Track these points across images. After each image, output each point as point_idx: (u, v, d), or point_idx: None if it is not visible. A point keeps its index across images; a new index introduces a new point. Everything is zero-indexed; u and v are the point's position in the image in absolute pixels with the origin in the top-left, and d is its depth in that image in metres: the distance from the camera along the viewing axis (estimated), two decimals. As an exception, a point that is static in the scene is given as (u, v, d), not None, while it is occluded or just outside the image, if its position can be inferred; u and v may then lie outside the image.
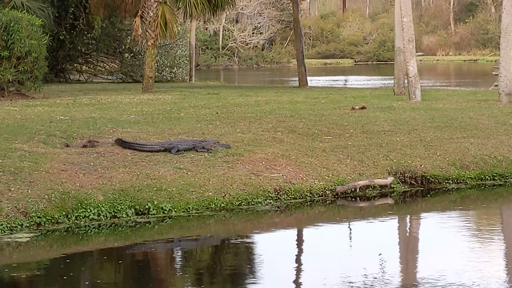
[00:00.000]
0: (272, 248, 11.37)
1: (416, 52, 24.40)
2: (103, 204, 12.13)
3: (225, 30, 78.27)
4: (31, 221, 11.47)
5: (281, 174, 13.94)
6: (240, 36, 78.21)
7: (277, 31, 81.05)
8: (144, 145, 14.44)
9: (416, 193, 14.68)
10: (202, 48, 75.16)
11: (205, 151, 14.40)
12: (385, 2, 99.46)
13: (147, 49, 27.74)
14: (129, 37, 35.56)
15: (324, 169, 14.42)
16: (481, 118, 18.96)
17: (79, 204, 11.98)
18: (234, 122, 17.41)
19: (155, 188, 12.76)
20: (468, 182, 15.18)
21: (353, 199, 13.98)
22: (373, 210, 13.80)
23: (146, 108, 20.60)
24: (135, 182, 12.79)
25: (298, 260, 10.69)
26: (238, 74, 66.93)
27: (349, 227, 12.71)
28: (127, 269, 10.31)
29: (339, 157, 14.98)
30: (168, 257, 11.01)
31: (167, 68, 39.76)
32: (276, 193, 13.49)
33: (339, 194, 13.98)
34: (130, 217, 12.20)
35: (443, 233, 12.15)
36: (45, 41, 24.25)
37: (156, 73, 31.93)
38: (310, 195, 13.73)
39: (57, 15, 32.98)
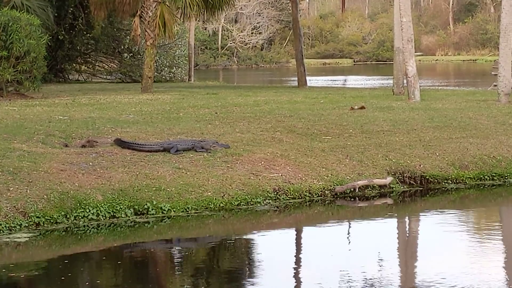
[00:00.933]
0: (271, 248, 11.36)
1: (415, 52, 24.40)
2: (102, 204, 12.12)
3: (224, 30, 78.29)
4: (30, 221, 11.46)
5: (280, 174, 13.94)
6: (239, 36, 78.22)
7: (276, 31, 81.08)
8: (143, 145, 14.43)
9: (415, 193, 14.67)
10: (201, 48, 75.20)
11: (204, 151, 14.40)
12: (384, 2, 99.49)
13: (146, 49, 27.73)
14: (128, 37, 35.56)
15: (323, 169, 14.41)
16: (480, 118, 18.96)
17: (78, 204, 11.97)
18: (233, 122, 17.40)
19: (154, 188, 12.75)
20: (467, 182, 15.17)
21: (352, 199, 13.98)
22: (372, 210, 13.80)
23: (145, 108, 20.59)
24: (134, 182, 12.78)
25: (297, 260, 10.69)
26: (237, 74, 66.95)
27: (348, 227, 12.70)
28: (126, 269, 10.30)
29: (338, 157, 14.98)
30: (167, 257, 11.00)
31: (166, 68, 39.76)
32: (275, 193, 13.48)
33: (338, 194, 13.97)
34: (129, 217, 12.19)
35: (442, 233, 12.15)
36: (44, 41, 24.24)
37: (155, 73, 31.94)
38: (309, 195, 13.73)
39: (56, 15, 32.95)
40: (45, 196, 11.87)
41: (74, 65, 39.97)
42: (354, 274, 9.55)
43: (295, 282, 9.62)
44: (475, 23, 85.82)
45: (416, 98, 23.23)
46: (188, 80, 40.84)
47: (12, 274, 9.72)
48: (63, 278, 9.59)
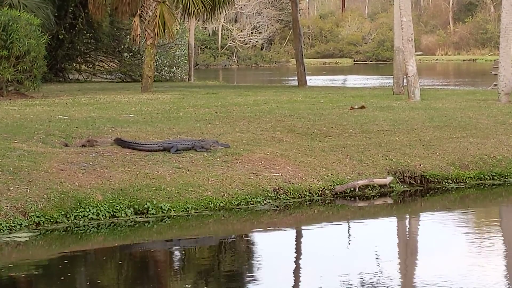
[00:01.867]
0: (271, 248, 11.36)
1: (415, 52, 24.39)
2: (102, 204, 12.12)
3: (224, 30, 78.29)
4: (30, 221, 11.46)
5: (280, 174, 13.93)
6: (239, 35, 78.22)
7: (276, 31, 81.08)
8: (143, 144, 14.42)
9: (415, 192, 14.67)
10: (201, 48, 75.21)
11: (204, 150, 14.39)
12: (384, 1, 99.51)
13: (146, 48, 27.74)
14: (128, 36, 35.55)
15: (323, 169, 14.41)
16: (480, 118, 18.95)
17: (78, 204, 11.96)
18: (233, 122, 17.40)
19: (154, 188, 12.75)
20: (467, 181, 15.17)
21: (352, 199, 13.97)
22: (372, 210, 13.79)
23: (145, 108, 20.59)
24: (134, 182, 12.78)
25: (297, 260, 10.68)
26: (237, 73, 66.94)
27: (348, 226, 12.70)
28: (126, 269, 10.30)
29: (338, 156, 14.97)
30: (167, 257, 11.00)
31: (166, 68, 39.77)
32: (275, 192, 13.48)
33: (338, 193, 13.97)
34: (129, 216, 12.19)
35: (442, 233, 12.14)
36: (44, 40, 24.24)
37: (155, 73, 31.94)
38: (309, 194, 13.72)
39: (56, 14, 32.94)
40: (45, 196, 11.87)
41: (74, 64, 39.99)
42: (354, 274, 9.55)
43: (295, 282, 9.61)
44: (475, 23, 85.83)
45: (416, 98, 23.23)
46: (188, 79, 40.85)
47: (12, 274, 9.72)
48: (62, 278, 9.59)
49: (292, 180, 13.84)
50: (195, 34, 48.14)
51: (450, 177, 15.09)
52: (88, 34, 37.53)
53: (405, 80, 24.91)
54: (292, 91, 29.03)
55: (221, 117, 18.29)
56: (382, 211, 13.73)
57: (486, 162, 15.66)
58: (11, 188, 11.89)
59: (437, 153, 15.64)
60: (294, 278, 9.75)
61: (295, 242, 11.97)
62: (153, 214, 12.32)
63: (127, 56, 38.90)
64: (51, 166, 12.88)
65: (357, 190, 14.14)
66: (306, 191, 13.70)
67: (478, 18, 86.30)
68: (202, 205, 12.75)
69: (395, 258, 10.79)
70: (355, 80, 50.17)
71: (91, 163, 13.26)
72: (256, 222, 12.53)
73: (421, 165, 15.09)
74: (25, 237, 11.12)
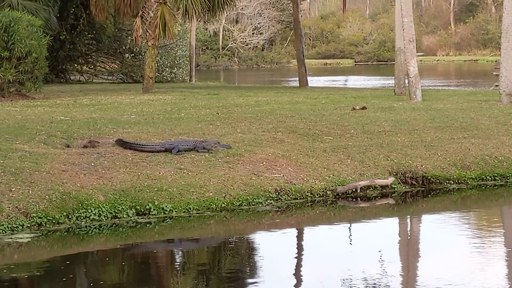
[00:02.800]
0: (272, 248, 11.36)
1: (416, 52, 24.39)
2: (104, 205, 12.13)
3: (225, 31, 78.28)
4: (32, 222, 11.46)
5: (281, 175, 13.93)
6: (240, 36, 78.22)
7: (277, 31, 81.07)
8: (144, 145, 14.43)
9: (417, 193, 14.67)
10: (202, 49, 75.19)
11: (205, 151, 14.40)
12: (385, 2, 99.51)
13: (147, 49, 27.76)
14: (130, 37, 35.56)
15: (325, 170, 14.41)
16: (481, 119, 18.95)
17: (80, 205, 11.97)
18: (234, 123, 17.40)
19: (155, 189, 12.75)
20: (469, 182, 15.17)
21: (354, 200, 13.97)
22: (374, 211, 13.80)
23: (147, 109, 20.59)
24: (136, 183, 12.79)
25: (298, 261, 10.69)
26: (238, 74, 66.95)
27: (349, 227, 12.70)
28: (128, 270, 10.31)
29: (339, 157, 14.98)
30: (169, 257, 11.01)
31: (167, 69, 39.78)
32: (277, 193, 13.48)
33: (340, 194, 13.97)
34: (131, 217, 12.20)
35: (443, 234, 12.14)
36: (46, 41, 24.25)
37: (156, 74, 31.93)
38: (311, 195, 13.73)
39: (58, 15, 32.95)
40: (47, 197, 11.88)
41: (75, 65, 39.98)
42: (356, 276, 9.55)
43: (297, 282, 9.61)
44: (476, 23, 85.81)
45: (417, 99, 23.23)
46: (189, 80, 40.86)
47: (14, 275, 9.73)
48: (64, 279, 9.59)
49: (294, 181, 13.84)
50: (196, 35, 48.12)
51: (451, 178, 15.09)
52: (90, 35, 37.53)
53: (406, 81, 24.91)
54: (294, 92, 29.03)
55: (222, 118, 18.29)
56: (383, 212, 13.74)
57: (488, 163, 15.66)
58: (13, 189, 11.90)
59: (439, 154, 15.64)
60: (296, 279, 9.75)
61: (297, 243, 11.97)
62: (154, 215, 12.33)
63: (128, 57, 38.90)
64: (53, 167, 12.89)
65: (358, 191, 14.14)
66: (307, 192, 13.71)
67: (479, 18, 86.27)
68: (204, 206, 12.76)
69: (397, 260, 10.79)
70: (356, 81, 50.17)
71: (92, 164, 13.27)
72: (258, 223, 12.54)
73: (423, 166, 15.09)
74: (27, 238, 11.13)
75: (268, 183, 13.61)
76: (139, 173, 13.12)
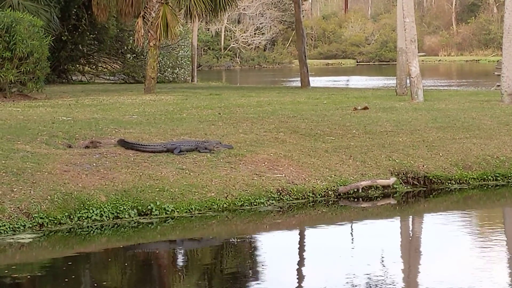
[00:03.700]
0: (274, 249, 11.36)
1: (418, 53, 24.38)
2: (106, 205, 12.13)
3: (227, 31, 78.31)
4: (34, 222, 11.47)
5: (283, 175, 13.94)
6: (242, 36, 78.24)
7: (279, 32, 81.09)
8: (146, 145, 14.43)
9: (418, 193, 14.67)
10: (204, 49, 75.21)
11: (207, 151, 14.40)
12: (387, 2, 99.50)
13: (149, 49, 27.77)
14: (132, 37, 35.57)
15: (327, 170, 14.41)
16: (483, 119, 18.94)
17: (82, 205, 11.98)
18: (236, 123, 17.40)
19: (157, 189, 12.76)
20: (470, 182, 15.17)
21: (356, 200, 13.97)
22: (376, 211, 13.79)
23: (148, 109, 20.60)
24: (138, 183, 12.79)
25: (300, 261, 10.69)
26: (240, 74, 66.96)
27: (351, 228, 12.70)
28: (130, 270, 10.31)
29: (341, 157, 14.98)
30: (171, 258, 11.01)
31: (169, 69, 39.78)
32: (279, 193, 13.48)
33: (341, 194, 13.97)
34: (132, 217, 12.20)
35: (445, 234, 12.13)
36: (47, 41, 24.26)
37: (158, 74, 31.96)
38: (313, 195, 13.73)
39: (59, 16, 32.96)
40: (48, 197, 11.88)
41: (77, 66, 39.98)
42: (358, 276, 9.54)
43: (299, 283, 9.61)
44: (478, 24, 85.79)
45: (419, 99, 23.23)
46: (191, 80, 40.87)
47: (16, 275, 9.73)
48: (66, 279, 9.60)
49: (296, 181, 13.85)
50: (198, 35, 48.15)
51: (453, 178, 15.09)
52: (91, 36, 37.54)
53: (408, 81, 24.90)
54: (295, 92, 29.03)
55: (224, 118, 18.29)
56: (385, 212, 13.74)
57: (489, 163, 15.66)
58: (15, 190, 11.91)
59: (440, 154, 15.64)
60: (298, 279, 9.75)
61: (299, 243, 11.97)
62: (156, 215, 12.33)
63: (130, 57, 38.91)
64: (55, 167, 12.89)
65: (360, 191, 14.14)
66: (309, 192, 13.71)
67: (481, 18, 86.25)
68: (206, 206, 12.77)
69: (399, 260, 10.78)
70: (358, 81, 50.15)
71: (94, 164, 13.28)
72: (260, 223, 12.54)
73: (424, 166, 15.09)
74: (29, 238, 11.14)
75: (270, 183, 13.61)
76: (141, 174, 13.12)
